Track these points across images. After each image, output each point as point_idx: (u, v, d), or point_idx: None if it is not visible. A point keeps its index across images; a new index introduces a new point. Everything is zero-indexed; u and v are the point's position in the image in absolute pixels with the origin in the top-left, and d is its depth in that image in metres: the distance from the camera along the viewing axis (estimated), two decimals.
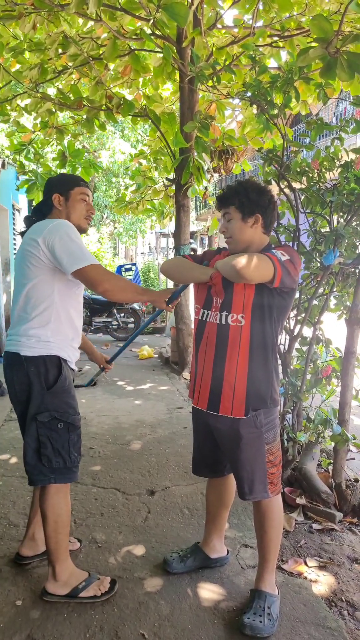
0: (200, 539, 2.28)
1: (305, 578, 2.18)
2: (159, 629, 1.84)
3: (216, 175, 5.35)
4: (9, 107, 5.40)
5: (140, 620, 1.88)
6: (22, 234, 2.02)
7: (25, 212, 11.98)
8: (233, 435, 1.84)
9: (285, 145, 2.73)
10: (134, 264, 11.40)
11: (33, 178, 5.42)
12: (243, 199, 1.84)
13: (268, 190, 1.90)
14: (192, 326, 2.05)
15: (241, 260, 1.68)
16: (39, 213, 2.06)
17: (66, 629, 1.82)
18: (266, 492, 1.89)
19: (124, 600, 1.98)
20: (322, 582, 2.15)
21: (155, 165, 6.10)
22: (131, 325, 8.49)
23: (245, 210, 1.84)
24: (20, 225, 11.18)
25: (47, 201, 2.05)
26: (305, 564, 2.28)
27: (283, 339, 2.96)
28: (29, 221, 2.04)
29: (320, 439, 2.98)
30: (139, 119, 5.20)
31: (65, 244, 1.82)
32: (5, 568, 2.15)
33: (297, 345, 2.92)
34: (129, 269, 8.51)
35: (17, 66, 4.89)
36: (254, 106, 2.80)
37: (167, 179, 5.66)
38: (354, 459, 3.24)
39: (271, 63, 4.69)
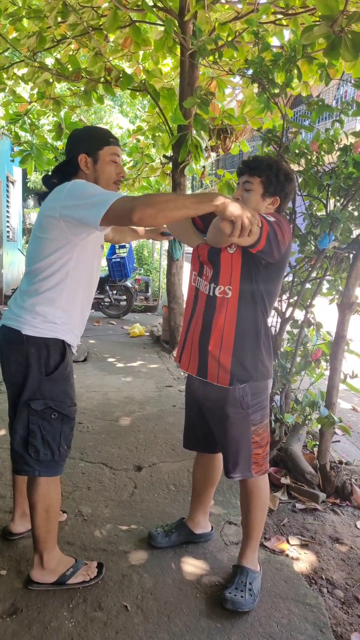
0: (185, 515, 2.31)
1: (287, 556, 2.23)
2: (142, 602, 1.88)
3: (214, 154, 5.29)
4: (5, 76, 5.27)
5: (124, 592, 1.92)
6: (42, 197, 1.79)
7: (19, 184, 11.80)
8: (220, 413, 1.87)
9: (285, 126, 2.70)
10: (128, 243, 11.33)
11: (28, 149, 5.32)
12: (272, 177, 1.80)
13: (294, 178, 1.89)
14: (184, 306, 2.03)
15: (224, 223, 1.59)
16: (60, 174, 1.81)
17: (49, 599, 1.85)
18: (250, 471, 1.91)
19: (107, 573, 2.02)
20: (303, 560, 2.20)
21: (153, 142, 6.01)
22: (123, 303, 8.46)
23: (269, 189, 1.81)
24: (15, 198, 11.02)
25: (70, 161, 1.79)
26: (288, 542, 2.33)
27: (274, 321, 2.97)
28: (50, 184, 1.79)
29: (307, 421, 3.02)
30: (137, 93, 5.10)
31: (84, 199, 1.59)
32: None
33: (288, 327, 2.94)
34: (123, 246, 8.46)
35: (15, 34, 4.76)
36: (255, 85, 2.76)
37: (164, 156, 5.59)
38: (339, 441, 3.29)
39: (274, 42, 4.60)
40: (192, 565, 2.11)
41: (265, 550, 2.25)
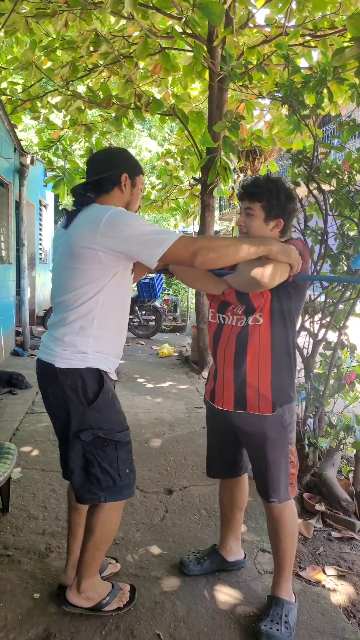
0: (217, 541, 2.26)
1: (324, 586, 2.15)
2: (175, 630, 1.84)
3: (242, 176, 5.31)
4: (39, 104, 5.47)
5: (156, 620, 1.88)
6: (71, 216, 1.66)
7: (51, 208, 12.12)
8: (260, 436, 1.83)
9: (315, 147, 2.69)
10: None
11: (60, 174, 5.47)
12: (273, 200, 1.76)
13: (296, 196, 1.85)
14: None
15: (258, 272, 1.62)
16: (96, 188, 1.70)
17: (82, 624, 1.83)
18: (288, 493, 1.87)
19: (140, 599, 1.98)
20: (340, 592, 2.12)
21: (181, 164, 6.09)
22: (152, 323, 8.51)
23: (271, 213, 1.78)
24: (47, 221, 11.32)
25: (110, 177, 1.70)
26: (324, 572, 2.25)
27: (307, 342, 2.92)
28: (80, 198, 1.68)
29: (341, 446, 2.94)
30: (167, 117, 5.20)
31: (135, 235, 1.53)
32: (24, 560, 2.18)
33: (320, 349, 2.88)
34: None
35: (49, 64, 4.95)
36: (284, 106, 2.77)
37: (193, 178, 5.65)
38: None
39: (302, 63, 4.63)
40: (225, 594, 2.05)
41: (300, 581, 2.18)
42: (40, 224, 10.16)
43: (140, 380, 5.65)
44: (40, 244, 10.30)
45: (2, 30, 4.35)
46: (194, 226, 8.25)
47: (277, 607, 1.86)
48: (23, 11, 4.19)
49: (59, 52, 4.86)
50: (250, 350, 1.78)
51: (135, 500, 2.76)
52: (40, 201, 10.06)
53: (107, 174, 1.70)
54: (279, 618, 1.82)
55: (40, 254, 10.27)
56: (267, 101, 4.86)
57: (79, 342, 1.65)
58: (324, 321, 2.85)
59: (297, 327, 1.90)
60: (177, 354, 7.18)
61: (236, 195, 1.93)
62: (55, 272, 1.75)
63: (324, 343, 2.86)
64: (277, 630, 1.79)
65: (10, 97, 5.69)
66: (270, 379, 1.79)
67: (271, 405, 1.78)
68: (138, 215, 1.64)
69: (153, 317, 8.50)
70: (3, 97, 5.69)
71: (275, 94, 2.63)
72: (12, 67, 5.39)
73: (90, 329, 1.66)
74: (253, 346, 1.78)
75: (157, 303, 8.57)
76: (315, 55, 4.57)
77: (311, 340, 2.89)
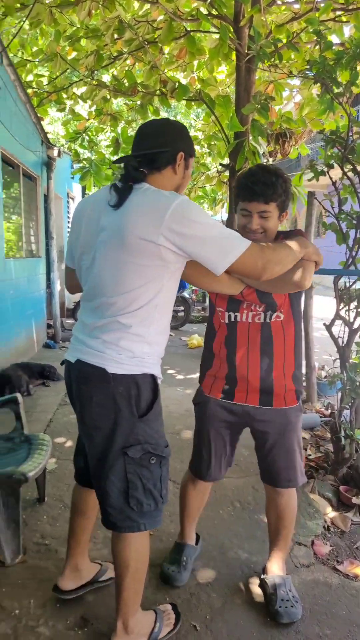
0: (251, 534, 2.25)
1: None
2: (211, 622, 1.83)
3: (272, 160, 5.19)
4: (65, 96, 5.46)
5: (192, 612, 1.87)
6: (121, 194, 1.44)
7: (79, 200, 12.18)
8: (283, 423, 1.84)
9: (349, 126, 2.58)
10: None
11: (87, 166, 5.46)
12: (284, 195, 1.72)
13: (288, 177, 1.79)
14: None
15: (298, 275, 1.61)
16: (149, 164, 1.49)
17: None
18: (304, 475, 1.92)
19: (175, 591, 1.98)
20: None
21: (208, 150, 5.99)
22: (181, 314, 8.47)
23: (283, 207, 1.76)
24: None
25: (164, 154, 1.50)
26: None
27: (342, 331, 2.83)
28: (134, 172, 1.47)
29: None
30: (193, 103, 5.10)
31: (204, 237, 1.39)
32: (61, 549, 2.19)
33: (357, 338, 2.79)
34: None
35: (74, 54, 4.92)
36: (315, 86, 2.66)
37: (220, 164, 5.55)
38: None
39: (333, 39, 4.44)
40: (261, 587, 2.02)
41: (338, 575, 2.13)
42: (68, 217, 10.23)
43: (170, 371, 5.64)
44: (69, 236, 10.38)
45: (27, 22, 4.34)
46: (222, 214, 8.14)
47: (284, 585, 1.92)
48: (47, 1, 4.17)
49: (83, 42, 4.82)
50: (276, 346, 1.79)
51: (168, 492, 2.75)
52: (67, 194, 10.12)
53: (164, 149, 1.49)
54: (289, 595, 1.89)
55: None
56: (297, 81, 4.70)
57: (136, 348, 1.48)
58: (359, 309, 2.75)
59: None
60: None
61: (237, 193, 1.79)
62: (96, 263, 1.49)
63: None
64: (292, 607, 1.85)
65: (36, 89, 5.69)
66: (293, 371, 1.83)
67: (295, 396, 1.84)
68: (206, 212, 1.45)
69: (182, 308, 8.47)
70: (29, 90, 5.70)
71: (307, 72, 2.52)
72: (37, 60, 5.38)
73: (148, 335, 1.50)
74: (279, 341, 1.79)
75: (185, 293, 8.52)
76: (347, 31, 4.38)
77: (347, 329, 2.80)
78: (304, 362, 4.22)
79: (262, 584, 1.97)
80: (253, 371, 1.80)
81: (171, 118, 1.69)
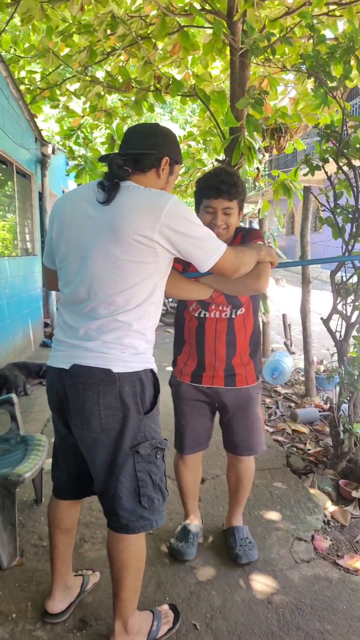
0: (251, 530, 2.28)
1: None
2: (211, 621, 1.82)
3: (267, 155, 5.16)
4: (58, 92, 5.41)
5: (192, 611, 1.87)
6: (109, 190, 1.44)
7: None
8: (246, 398, 2.09)
9: (344, 120, 2.56)
10: None
11: (82, 163, 5.43)
12: (242, 194, 1.93)
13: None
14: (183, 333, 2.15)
15: (255, 280, 1.79)
16: (134, 164, 1.52)
17: None
18: (263, 445, 2.18)
19: (175, 589, 1.97)
20: None
21: (204, 146, 5.96)
22: None
23: (242, 205, 1.97)
24: None
25: (152, 156, 1.53)
26: None
27: (339, 325, 2.82)
28: (118, 169, 1.48)
29: None
30: (188, 99, 5.07)
31: (195, 236, 1.46)
32: None
33: (354, 332, 2.78)
34: None
35: (66, 50, 4.88)
36: (309, 81, 2.64)
37: (216, 160, 5.52)
38: None
39: (327, 34, 4.42)
40: (261, 584, 2.02)
41: (339, 569, 2.13)
42: None
43: (169, 368, 5.61)
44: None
45: (19, 18, 4.30)
46: None
47: (240, 533, 2.21)
48: None
49: (75, 37, 4.78)
50: (239, 336, 2.03)
51: (168, 489, 2.74)
52: (63, 191, 10.08)
53: (149, 151, 1.53)
54: (246, 541, 2.18)
55: None
56: (291, 76, 4.68)
57: (138, 344, 1.50)
58: (357, 303, 2.74)
59: None
60: None
61: (202, 193, 1.94)
62: (88, 262, 1.46)
63: (357, 326, 2.75)
64: (250, 549, 2.14)
65: (29, 86, 5.65)
66: (249, 357, 2.08)
67: (255, 375, 2.10)
68: (189, 210, 1.49)
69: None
70: (22, 87, 5.66)
71: (300, 66, 2.50)
72: (29, 56, 5.34)
73: (146, 331, 1.52)
74: (241, 332, 2.03)
75: None
76: (341, 25, 4.35)
77: (344, 323, 2.79)
78: (302, 357, 4.22)
79: (224, 534, 2.27)
80: (219, 359, 2.03)
81: (161, 124, 1.72)
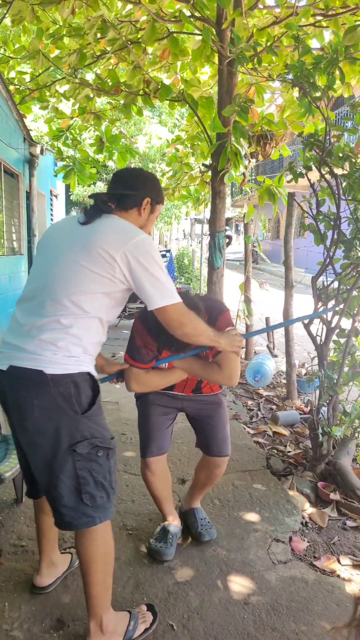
0: (230, 531, 2.31)
1: (339, 576, 2.13)
2: (188, 621, 1.84)
3: (254, 161, 5.22)
4: (47, 94, 5.42)
5: (170, 611, 1.89)
6: (91, 215, 1.61)
7: (62, 197, 12.11)
8: (213, 403, 2.23)
9: (327, 129, 2.62)
10: (169, 251, 11.35)
11: (70, 164, 5.43)
12: None
13: None
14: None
15: (234, 377, 2.01)
16: (117, 201, 1.69)
17: None
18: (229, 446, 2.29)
19: (153, 590, 1.99)
20: (356, 582, 2.10)
21: (192, 151, 6.01)
22: None
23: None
24: (58, 211, 11.30)
25: (135, 196, 1.70)
26: (339, 561, 2.23)
27: (320, 330, 2.87)
28: (102, 204, 1.65)
29: (356, 434, 2.90)
30: (176, 103, 5.11)
31: (150, 275, 1.54)
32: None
33: (334, 337, 2.83)
34: (164, 256, 8.49)
35: (57, 52, 4.89)
36: (295, 89, 2.70)
37: (203, 164, 5.57)
38: None
39: (313, 44, 4.49)
40: (239, 585, 2.05)
41: (315, 571, 2.16)
42: (51, 214, 10.16)
43: None
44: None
45: (9, 18, 4.30)
46: (205, 214, 8.16)
47: (199, 514, 2.38)
48: None
49: (66, 40, 4.79)
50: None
51: (145, 490, 2.76)
52: (51, 191, 10.05)
53: (131, 192, 1.70)
54: (205, 520, 2.35)
55: None
56: (278, 84, 4.75)
57: (72, 348, 1.54)
58: (337, 308, 2.80)
59: None
60: None
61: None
62: (54, 264, 1.58)
63: (337, 330, 2.81)
64: (210, 528, 2.32)
65: (18, 86, 5.64)
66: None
67: (219, 385, 2.23)
68: (158, 253, 1.61)
69: None
70: (11, 87, 5.65)
71: (286, 76, 2.55)
72: (19, 57, 5.34)
73: (85, 339, 1.57)
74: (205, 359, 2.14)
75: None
76: (327, 35, 4.43)
77: (324, 328, 2.84)
78: (284, 360, 4.27)
79: (185, 515, 2.41)
80: (190, 381, 2.16)
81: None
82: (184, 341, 1.69)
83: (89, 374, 1.58)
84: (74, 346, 1.54)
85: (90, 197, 1.73)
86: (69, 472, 1.53)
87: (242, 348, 2.12)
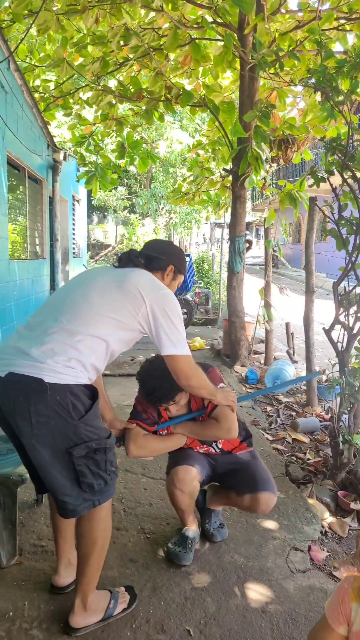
0: (248, 538, 2.28)
1: None
2: (205, 627, 1.83)
3: (274, 165, 5.21)
4: (71, 101, 5.52)
5: (186, 616, 1.88)
6: (120, 259, 1.88)
7: (84, 202, 12.25)
8: (246, 456, 2.29)
9: (350, 133, 2.60)
10: (188, 255, 11.37)
11: (93, 170, 5.51)
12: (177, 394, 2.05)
13: None
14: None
15: (233, 429, 2.06)
16: (147, 260, 1.91)
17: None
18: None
19: (170, 594, 1.99)
20: None
21: (212, 155, 6.03)
22: (184, 316, 8.49)
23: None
24: (80, 216, 11.44)
25: (162, 261, 1.93)
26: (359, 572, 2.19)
27: (341, 336, 2.84)
28: (134, 258, 1.88)
29: None
30: (197, 109, 5.14)
31: (171, 324, 1.71)
32: None
33: (356, 343, 2.80)
34: None
35: (80, 60, 4.97)
36: (318, 93, 2.69)
37: (224, 169, 5.58)
38: None
39: (337, 47, 4.48)
40: (256, 592, 2.03)
41: (335, 581, 2.13)
42: (73, 219, 10.29)
43: None
44: (74, 238, 10.44)
45: (35, 28, 4.40)
46: (225, 218, 8.16)
47: (216, 517, 2.42)
48: (54, 9, 4.22)
49: (89, 48, 4.88)
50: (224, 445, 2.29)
51: (165, 494, 2.75)
52: (73, 196, 10.19)
53: (159, 257, 1.93)
54: (219, 522, 2.42)
55: (74, 248, 10.41)
56: (300, 88, 4.73)
57: (74, 362, 1.60)
58: (359, 314, 2.76)
59: None
60: (208, 347, 7.14)
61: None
62: (85, 286, 1.76)
63: (359, 337, 2.77)
64: (224, 530, 2.40)
65: (43, 94, 5.76)
66: (245, 439, 2.31)
67: (246, 446, 2.31)
68: (179, 309, 1.78)
69: (185, 310, 8.48)
70: (36, 95, 5.77)
71: (308, 80, 2.54)
72: (44, 65, 5.45)
73: (86, 355, 1.64)
74: (225, 443, 2.27)
75: (188, 296, 8.55)
76: (351, 39, 4.41)
77: (346, 334, 2.81)
78: (304, 366, 4.23)
79: (202, 512, 2.42)
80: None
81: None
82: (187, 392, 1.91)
83: (85, 385, 1.65)
84: (75, 361, 1.61)
85: (121, 254, 1.95)
86: (66, 470, 1.63)
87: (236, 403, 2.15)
